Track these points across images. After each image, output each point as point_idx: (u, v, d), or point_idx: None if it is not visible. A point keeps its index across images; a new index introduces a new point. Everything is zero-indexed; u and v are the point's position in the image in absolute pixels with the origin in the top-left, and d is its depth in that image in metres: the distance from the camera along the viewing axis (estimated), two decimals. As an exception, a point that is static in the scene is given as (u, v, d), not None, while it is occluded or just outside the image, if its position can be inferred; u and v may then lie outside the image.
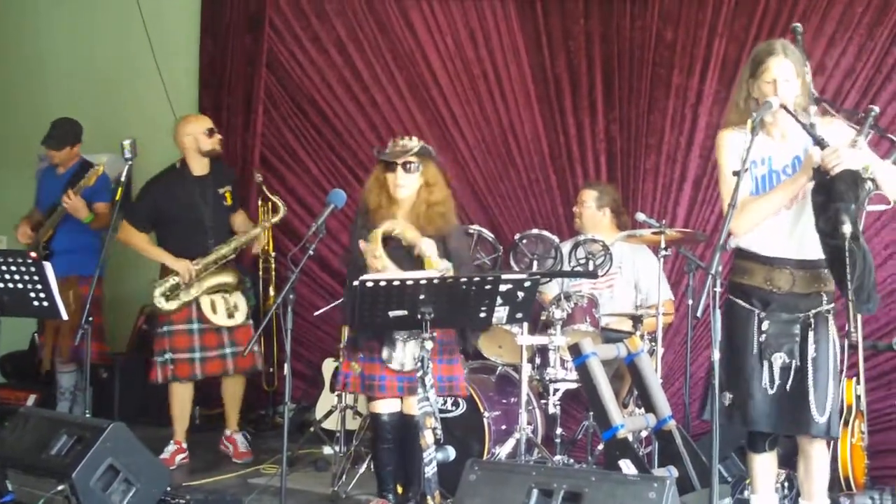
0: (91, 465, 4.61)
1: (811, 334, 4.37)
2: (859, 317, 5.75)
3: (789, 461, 5.04)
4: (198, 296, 6.58)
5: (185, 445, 6.77)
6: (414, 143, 5.36)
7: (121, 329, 8.54)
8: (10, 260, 5.36)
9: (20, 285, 5.36)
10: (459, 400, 5.85)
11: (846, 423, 5.54)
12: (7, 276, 5.35)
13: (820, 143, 4.20)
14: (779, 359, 4.38)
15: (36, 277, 5.33)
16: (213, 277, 6.61)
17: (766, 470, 4.63)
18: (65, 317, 5.59)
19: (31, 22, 9.34)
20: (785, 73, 4.34)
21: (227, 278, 6.67)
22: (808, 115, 4.35)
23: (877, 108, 4.44)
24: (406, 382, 5.22)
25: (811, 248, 4.33)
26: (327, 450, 6.68)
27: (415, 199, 5.35)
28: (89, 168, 7.10)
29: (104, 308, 7.45)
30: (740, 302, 4.49)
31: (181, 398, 6.76)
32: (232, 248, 6.66)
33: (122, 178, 5.68)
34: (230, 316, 6.62)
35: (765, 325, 4.41)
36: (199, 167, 6.76)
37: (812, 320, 4.38)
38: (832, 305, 4.45)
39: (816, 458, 4.51)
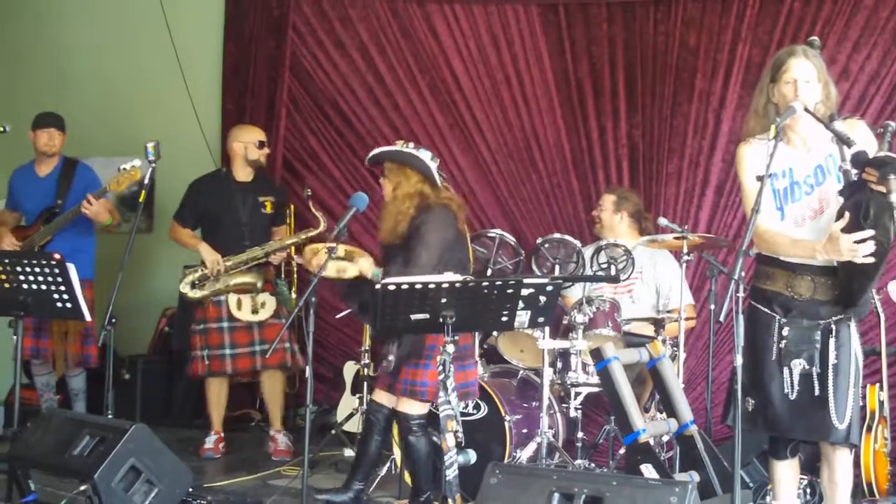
0: (113, 466, 4.62)
1: (832, 341, 4.33)
2: (882, 323, 5.73)
3: (812, 467, 5.02)
4: (224, 290, 6.83)
5: (223, 434, 7.10)
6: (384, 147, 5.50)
7: (143, 331, 8.58)
8: (35, 261, 5.39)
9: (43, 286, 5.39)
10: (481, 403, 5.85)
11: (869, 429, 5.52)
12: (31, 278, 5.38)
13: (846, 142, 4.16)
14: (798, 365, 4.35)
15: (59, 279, 5.36)
16: (239, 276, 6.84)
17: (787, 476, 4.60)
18: (88, 318, 5.64)
19: (51, 26, 9.38)
20: (805, 74, 4.31)
21: (251, 279, 6.85)
22: (833, 124, 4.31)
23: (893, 124, 4.42)
24: (391, 380, 5.36)
25: None
26: (348, 452, 6.69)
27: None
28: (74, 166, 7.14)
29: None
30: (762, 307, 4.47)
31: (216, 392, 7.08)
32: (264, 251, 6.86)
33: (146, 181, 5.70)
34: (254, 312, 6.85)
35: (785, 331, 4.38)
36: (244, 174, 7.09)
37: (833, 327, 4.35)
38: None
39: (839, 465, 4.46)
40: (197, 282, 6.84)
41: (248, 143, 7.04)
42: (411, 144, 5.44)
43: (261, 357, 6.87)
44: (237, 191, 7.02)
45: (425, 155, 5.36)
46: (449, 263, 5.24)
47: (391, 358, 5.21)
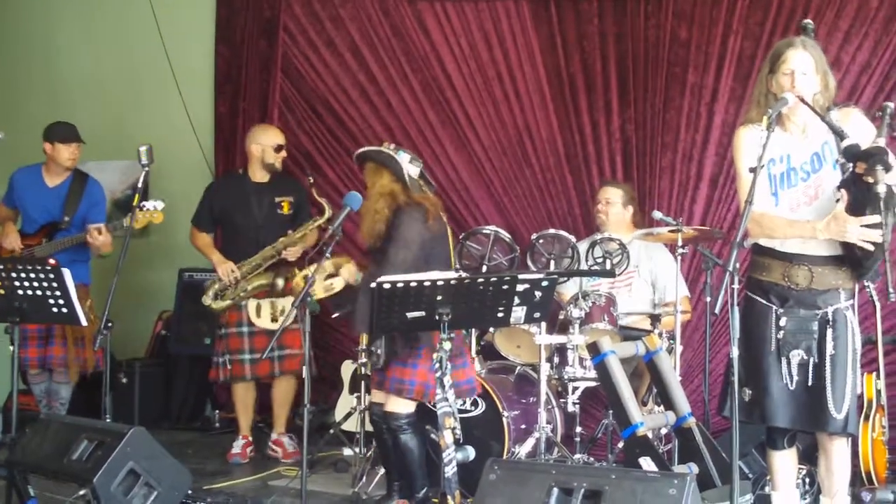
0: (112, 470, 4.61)
1: (829, 331, 4.34)
2: (878, 311, 5.73)
3: (810, 457, 5.03)
4: (246, 297, 6.77)
5: (251, 438, 7.04)
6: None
7: (139, 335, 8.57)
8: (30, 267, 5.38)
9: (39, 292, 5.38)
10: (479, 400, 5.86)
11: (867, 418, 5.52)
12: (26, 283, 5.37)
13: (839, 134, 4.19)
14: (796, 356, 4.36)
15: (55, 284, 5.35)
16: (255, 279, 6.78)
17: (786, 466, 4.61)
18: (84, 323, 5.62)
19: (43, 30, 9.37)
20: (803, 66, 4.31)
21: (266, 280, 6.80)
22: (828, 115, 4.32)
23: (892, 105, 4.41)
24: (380, 378, 5.40)
25: (830, 245, 4.32)
26: (347, 451, 6.68)
27: None
28: (84, 181, 7.03)
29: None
30: (758, 298, 4.48)
31: (242, 396, 7.02)
32: (275, 249, 6.76)
33: (139, 185, 5.69)
34: (274, 320, 6.76)
35: (783, 322, 4.39)
36: (260, 175, 7.00)
37: (831, 317, 4.36)
38: (851, 302, 4.42)
39: (836, 455, 4.48)
40: (218, 292, 6.78)
41: (266, 147, 6.94)
42: (393, 146, 5.50)
43: (279, 362, 6.81)
44: (252, 192, 6.91)
45: (403, 157, 5.42)
46: (432, 261, 5.26)
47: (379, 353, 5.25)
